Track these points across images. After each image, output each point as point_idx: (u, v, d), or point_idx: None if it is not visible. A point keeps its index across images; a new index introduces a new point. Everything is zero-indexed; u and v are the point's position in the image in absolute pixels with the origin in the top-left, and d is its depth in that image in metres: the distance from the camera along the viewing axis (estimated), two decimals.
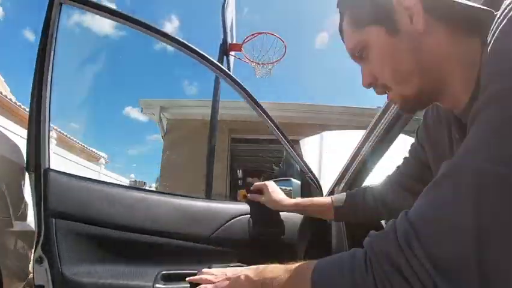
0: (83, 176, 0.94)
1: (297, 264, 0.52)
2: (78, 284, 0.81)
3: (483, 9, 0.46)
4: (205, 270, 0.71)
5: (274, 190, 1.09)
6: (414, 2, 0.50)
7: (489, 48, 0.40)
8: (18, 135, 4.69)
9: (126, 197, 0.93)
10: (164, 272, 0.89)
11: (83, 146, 10.26)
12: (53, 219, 0.83)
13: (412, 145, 0.85)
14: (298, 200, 1.13)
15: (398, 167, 0.91)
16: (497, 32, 0.39)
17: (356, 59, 0.61)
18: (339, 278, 0.41)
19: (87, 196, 0.88)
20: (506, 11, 0.39)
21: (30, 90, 0.89)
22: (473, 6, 0.48)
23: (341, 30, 0.62)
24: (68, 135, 9.32)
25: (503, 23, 0.39)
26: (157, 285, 0.85)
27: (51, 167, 0.90)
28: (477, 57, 0.47)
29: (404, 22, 0.52)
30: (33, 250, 0.84)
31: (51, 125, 0.92)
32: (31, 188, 0.86)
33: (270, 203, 1.07)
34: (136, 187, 1.21)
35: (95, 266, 0.85)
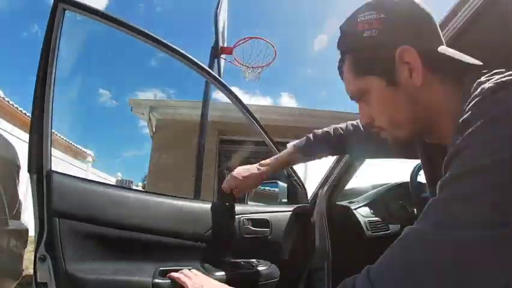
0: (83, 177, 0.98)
1: None
2: (81, 280, 0.83)
3: (469, 65, 0.53)
4: (185, 270, 0.88)
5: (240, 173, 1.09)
6: (415, 58, 0.55)
7: (462, 120, 0.44)
8: (8, 132, 4.65)
9: (126, 197, 0.96)
10: (162, 268, 0.93)
11: (70, 143, 10.11)
12: (57, 219, 0.85)
13: None
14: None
15: None
16: (468, 111, 0.44)
17: (355, 100, 0.65)
18: None
19: (89, 197, 0.91)
20: (477, 92, 0.44)
21: (33, 93, 0.88)
22: (463, 61, 0.54)
23: (340, 71, 0.65)
24: (55, 132, 9.17)
25: (472, 104, 0.44)
26: (156, 281, 0.88)
27: None
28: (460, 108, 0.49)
29: (404, 76, 0.56)
30: (34, 249, 0.85)
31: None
32: (32, 188, 0.86)
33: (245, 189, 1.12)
34: (135, 189, 1.25)
35: (97, 263, 0.88)
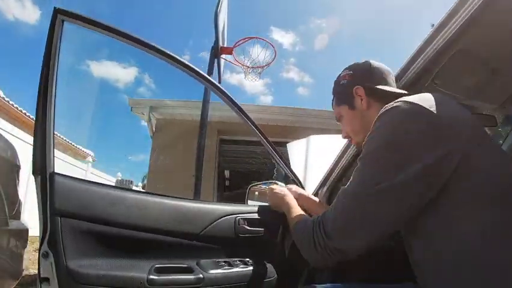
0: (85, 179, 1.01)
1: (298, 214, 1.01)
2: (81, 275, 0.87)
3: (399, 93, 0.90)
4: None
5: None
6: (362, 92, 0.95)
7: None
8: (8, 132, 4.65)
9: (125, 198, 1.00)
10: (157, 265, 0.97)
11: (70, 143, 10.11)
12: (59, 218, 0.89)
13: None
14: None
15: None
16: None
17: (338, 121, 1.08)
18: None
19: (90, 197, 0.94)
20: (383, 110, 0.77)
21: (36, 99, 0.93)
22: (392, 93, 0.92)
23: (332, 104, 1.08)
24: (55, 132, 9.14)
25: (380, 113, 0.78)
26: (151, 277, 0.92)
27: None
28: None
29: (358, 103, 0.97)
30: (38, 246, 0.89)
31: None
32: (36, 189, 0.91)
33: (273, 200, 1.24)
34: (133, 189, 1.26)
35: (97, 259, 0.92)
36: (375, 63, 0.99)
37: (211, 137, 5.32)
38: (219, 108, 4.77)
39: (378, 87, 0.94)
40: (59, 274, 0.87)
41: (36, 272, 0.90)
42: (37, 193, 0.91)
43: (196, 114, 4.52)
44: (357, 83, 0.96)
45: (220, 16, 3.41)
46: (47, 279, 0.87)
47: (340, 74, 1.03)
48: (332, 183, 1.38)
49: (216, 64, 3.61)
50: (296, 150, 2.46)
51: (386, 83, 0.96)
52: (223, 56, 3.78)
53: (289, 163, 1.85)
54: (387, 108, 0.76)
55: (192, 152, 3.50)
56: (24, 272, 1.65)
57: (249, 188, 1.77)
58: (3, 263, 1.45)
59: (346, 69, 1.02)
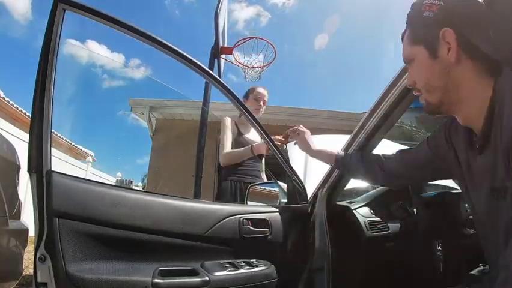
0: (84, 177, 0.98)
1: None
2: (81, 280, 0.83)
3: (500, 59, 0.67)
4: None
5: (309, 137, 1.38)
6: (453, 39, 0.69)
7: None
8: (8, 132, 4.65)
9: (126, 197, 0.96)
10: (162, 268, 0.93)
11: (70, 144, 10.10)
12: (57, 219, 0.84)
13: (435, 139, 0.93)
14: (321, 148, 1.35)
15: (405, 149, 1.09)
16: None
17: (406, 63, 0.83)
18: None
19: (89, 197, 0.91)
20: None
21: (33, 93, 0.87)
22: (494, 54, 0.67)
23: (403, 38, 0.82)
24: (55, 132, 9.14)
25: None
26: (156, 281, 0.88)
27: None
28: (489, 93, 0.66)
29: (443, 51, 0.71)
30: (34, 249, 0.84)
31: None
32: (32, 188, 0.86)
33: (303, 143, 1.38)
34: (135, 189, 1.24)
35: (97, 263, 0.88)
36: None
37: (211, 137, 5.31)
38: (219, 108, 4.77)
39: (480, 43, 0.68)
40: (57, 279, 0.82)
41: None
42: (33, 192, 0.86)
43: (196, 114, 4.52)
44: (448, 24, 0.69)
45: (220, 16, 3.40)
46: (44, 284, 0.83)
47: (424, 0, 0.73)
48: (332, 183, 1.37)
49: (216, 64, 3.60)
50: (296, 150, 2.45)
51: (485, 34, 0.68)
52: (223, 56, 3.77)
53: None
54: None
55: (192, 152, 3.49)
56: (24, 272, 1.65)
57: (249, 188, 1.77)
58: (3, 263, 1.44)
59: None
